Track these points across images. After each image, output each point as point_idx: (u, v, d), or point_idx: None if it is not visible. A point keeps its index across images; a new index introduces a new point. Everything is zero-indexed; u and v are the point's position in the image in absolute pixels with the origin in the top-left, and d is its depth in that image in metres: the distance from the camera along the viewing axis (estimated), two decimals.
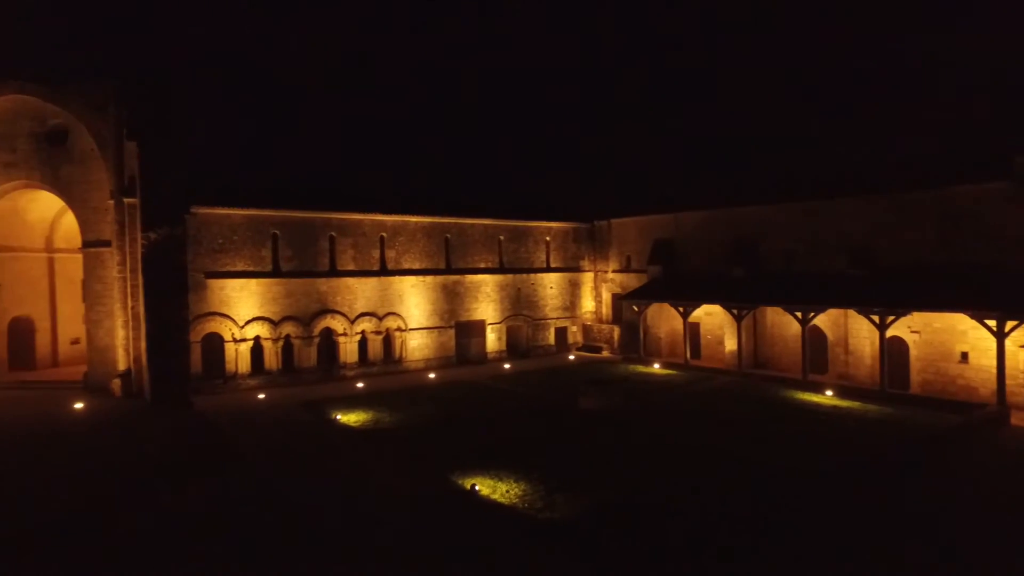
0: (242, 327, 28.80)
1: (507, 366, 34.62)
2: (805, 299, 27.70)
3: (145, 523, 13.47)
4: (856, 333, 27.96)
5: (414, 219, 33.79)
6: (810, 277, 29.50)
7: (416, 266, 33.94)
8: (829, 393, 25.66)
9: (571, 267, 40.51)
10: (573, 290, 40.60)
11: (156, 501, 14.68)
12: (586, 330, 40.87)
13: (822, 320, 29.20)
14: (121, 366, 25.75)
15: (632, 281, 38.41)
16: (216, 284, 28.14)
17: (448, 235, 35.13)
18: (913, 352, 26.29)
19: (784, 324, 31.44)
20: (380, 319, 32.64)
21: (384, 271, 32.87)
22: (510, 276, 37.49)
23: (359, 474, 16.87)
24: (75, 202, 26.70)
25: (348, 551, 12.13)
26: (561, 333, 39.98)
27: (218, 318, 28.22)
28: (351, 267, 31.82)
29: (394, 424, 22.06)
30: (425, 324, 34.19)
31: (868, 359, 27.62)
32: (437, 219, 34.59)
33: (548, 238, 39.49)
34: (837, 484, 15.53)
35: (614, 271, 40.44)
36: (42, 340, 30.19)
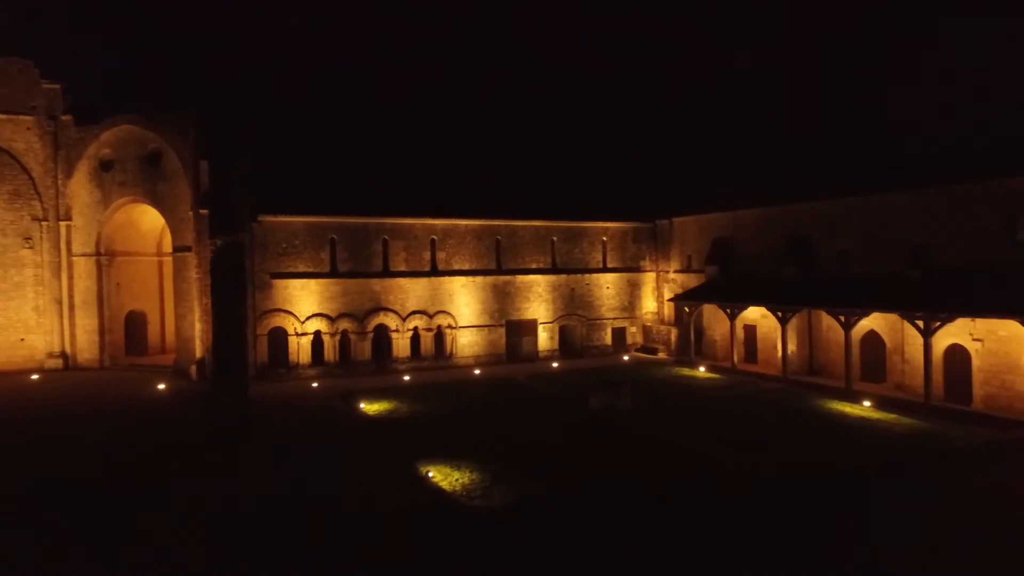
0: (303, 322, 32.18)
1: (555, 365, 35.32)
2: (847, 302, 25.82)
3: (170, 472, 16.26)
4: (912, 340, 25.52)
5: (464, 222, 35.54)
6: (863, 278, 27.39)
7: (466, 267, 35.67)
8: (867, 404, 23.84)
9: (630, 267, 40.19)
10: (632, 291, 40.27)
11: (176, 463, 17.52)
12: (646, 331, 40.38)
13: (879, 324, 26.98)
14: (198, 354, 29.96)
15: (693, 281, 37.46)
16: (280, 284, 31.73)
17: (499, 237, 36.49)
18: (975, 362, 23.60)
19: (840, 328, 29.31)
20: (431, 317, 34.76)
21: (435, 272, 34.94)
22: (563, 276, 38.06)
23: (348, 453, 18.77)
24: (167, 213, 31.48)
25: (290, 504, 13.93)
26: (619, 333, 39.85)
27: (282, 314, 31.80)
28: (403, 268, 34.23)
29: (406, 414, 23.88)
30: (475, 322, 35.82)
31: (923, 368, 25.18)
32: (487, 222, 36.07)
33: (605, 238, 39.51)
34: (782, 494, 14.94)
35: (676, 271, 39.59)
36: (152, 330, 35.72)
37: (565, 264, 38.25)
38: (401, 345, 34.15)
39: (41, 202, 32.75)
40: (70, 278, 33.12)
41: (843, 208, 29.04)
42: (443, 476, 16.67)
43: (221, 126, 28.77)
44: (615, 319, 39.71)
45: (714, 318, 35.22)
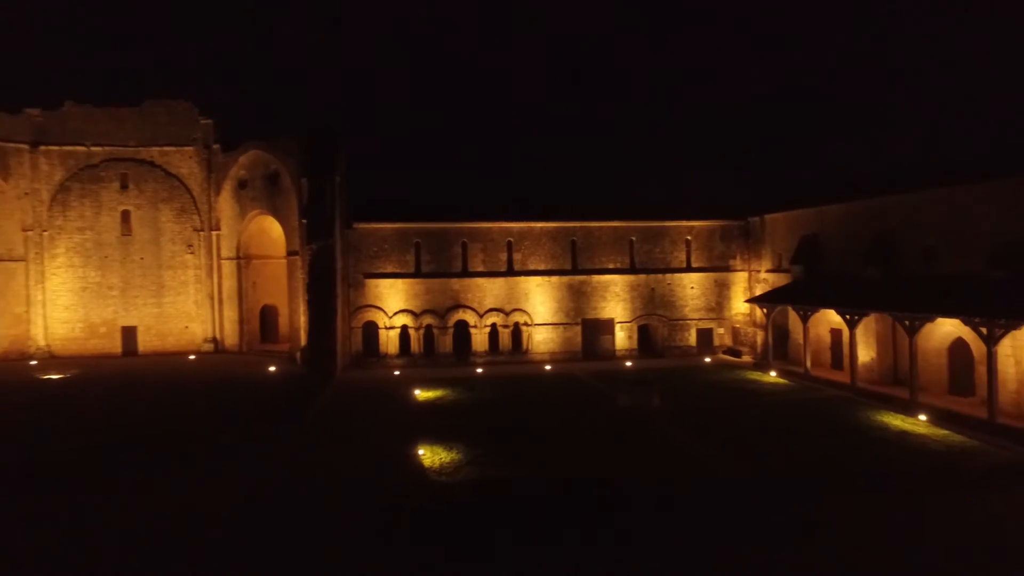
0: (391, 317, 36.19)
1: (629, 364, 35.76)
2: (908, 305, 23.54)
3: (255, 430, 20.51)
4: (1000, 350, 22.66)
5: (539, 224, 37.26)
6: (946, 280, 24.63)
7: (541, 267, 37.37)
8: (922, 418, 21.77)
9: (718, 266, 39.03)
10: (720, 291, 39.08)
11: (259, 424, 21.78)
12: (735, 333, 38.99)
13: (967, 331, 24.16)
14: (303, 343, 35.12)
15: (782, 282, 35.57)
16: (372, 283, 36.01)
17: (574, 238, 37.66)
18: None
19: (925, 335, 26.48)
20: (507, 314, 37.02)
21: (511, 272, 37.12)
22: (642, 276, 38.16)
23: (375, 430, 21.72)
24: (283, 223, 37.23)
25: (297, 462, 17.09)
26: (704, 335, 38.94)
27: (373, 309, 36.07)
28: (480, 268, 36.87)
29: (448, 402, 26.40)
30: (550, 320, 37.41)
31: (1013, 382, 22.31)
32: (562, 224, 37.42)
33: (689, 237, 38.82)
34: (726, 493, 15.02)
35: (767, 271, 37.75)
36: (282, 322, 42.13)
37: (644, 264, 38.29)
38: (479, 340, 36.84)
39: (199, 216, 40.36)
40: (219, 277, 40.42)
41: (928, 201, 26.23)
42: (431, 455, 18.83)
43: (317, 148, 33.61)
44: (700, 320, 38.86)
45: (799, 321, 33.25)
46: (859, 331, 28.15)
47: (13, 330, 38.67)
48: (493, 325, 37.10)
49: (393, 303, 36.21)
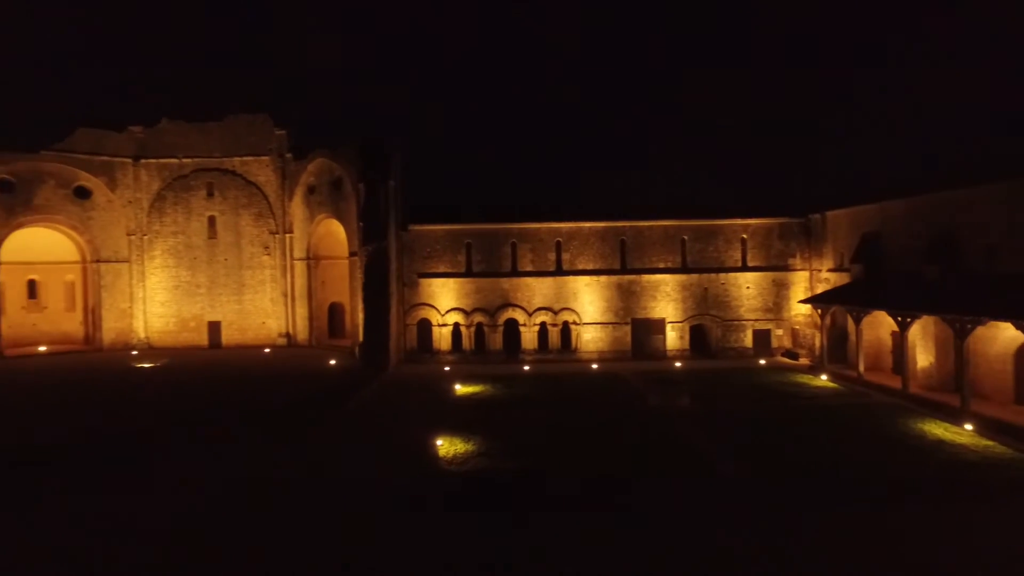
0: (443, 315, 37.72)
1: (678, 364, 35.40)
2: (961, 307, 22.10)
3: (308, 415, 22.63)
4: None
5: (588, 224, 37.54)
6: (1007, 280, 22.94)
7: (590, 267, 37.64)
8: (969, 428, 20.49)
9: (776, 266, 37.74)
10: (778, 291, 37.77)
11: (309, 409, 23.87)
12: (794, 335, 37.58)
13: None
14: (360, 339, 37.30)
15: (845, 281, 34.01)
16: (425, 282, 37.69)
17: (624, 237, 37.64)
18: None
19: (987, 339, 24.74)
20: (555, 313, 37.61)
21: (559, 271, 37.66)
22: (695, 276, 37.57)
23: (407, 419, 23.12)
24: (345, 226, 39.62)
25: (331, 444, 18.75)
26: (761, 336, 37.78)
27: (427, 307, 37.74)
28: (529, 268, 37.67)
29: (484, 397, 27.44)
30: (599, 319, 37.62)
31: None
32: (612, 223, 37.51)
33: (744, 236, 37.78)
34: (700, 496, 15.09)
35: (828, 270, 36.15)
36: (348, 319, 44.72)
37: (697, 263, 37.66)
38: (528, 338, 37.67)
39: (274, 220, 43.71)
40: (292, 277, 43.59)
41: (989, 195, 24.45)
42: (449, 445, 19.90)
43: (373, 155, 35.64)
44: (756, 321, 37.75)
45: (863, 323, 31.68)
46: (917, 334, 26.68)
47: (119, 323, 43.54)
48: (542, 324, 37.80)
49: (445, 302, 37.72)
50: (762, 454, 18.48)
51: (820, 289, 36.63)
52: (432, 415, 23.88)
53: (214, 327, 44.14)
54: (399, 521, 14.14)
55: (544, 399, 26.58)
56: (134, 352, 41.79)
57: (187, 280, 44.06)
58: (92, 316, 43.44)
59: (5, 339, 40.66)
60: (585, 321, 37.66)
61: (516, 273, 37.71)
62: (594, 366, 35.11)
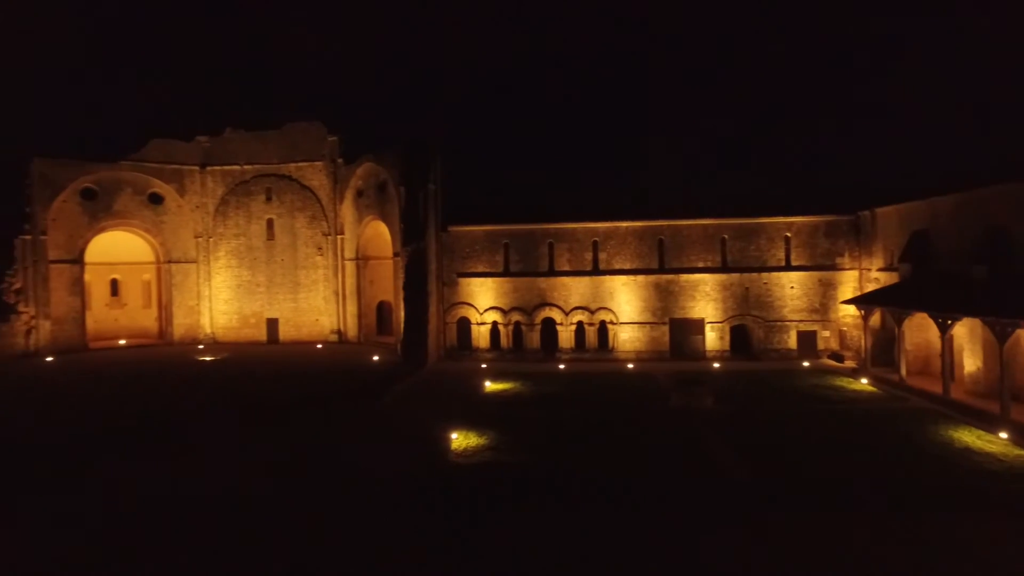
0: (482, 313, 38.64)
1: (716, 365, 34.89)
2: (1001, 309, 20.94)
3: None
4: None
5: (625, 224, 37.50)
6: None
7: (627, 266, 37.59)
8: (1003, 436, 19.49)
9: (822, 265, 36.50)
10: (825, 291, 36.52)
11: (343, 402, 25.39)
12: (841, 336, 36.25)
13: None
14: (402, 336, 38.73)
15: (894, 281, 32.61)
16: (464, 281, 38.72)
17: (661, 237, 37.37)
18: None
19: None
20: (592, 312, 37.80)
21: (596, 271, 37.82)
22: (735, 275, 36.86)
23: (431, 412, 24.12)
24: (389, 227, 41.15)
25: (357, 433, 20.01)
26: (806, 337, 36.64)
27: (466, 306, 38.77)
28: (566, 268, 38.02)
29: (509, 394, 28.11)
30: (636, 319, 37.53)
31: None
32: (649, 223, 37.31)
33: (788, 234, 36.74)
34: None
35: (878, 269, 34.66)
36: (395, 317, 46.31)
37: (738, 262, 36.94)
38: (565, 337, 38.03)
39: (327, 222, 45.93)
40: (343, 276, 45.67)
41: None
42: (462, 438, 20.68)
43: (413, 159, 37.03)
44: (801, 322, 36.65)
45: (907, 325, 30.32)
46: (964, 337, 25.44)
47: (188, 319, 46.94)
48: (579, 323, 38.07)
49: (484, 300, 38.62)
50: (766, 455, 18.27)
51: (870, 289, 35.16)
52: (456, 410, 24.73)
53: (272, 324, 46.84)
54: (379, 504, 15.04)
55: (571, 398, 26.90)
56: (200, 346, 44.95)
57: (248, 279, 46.95)
58: (165, 312, 47.01)
59: (90, 333, 44.61)
60: (622, 321, 37.65)
61: (553, 273, 38.15)
62: (629, 366, 35.10)
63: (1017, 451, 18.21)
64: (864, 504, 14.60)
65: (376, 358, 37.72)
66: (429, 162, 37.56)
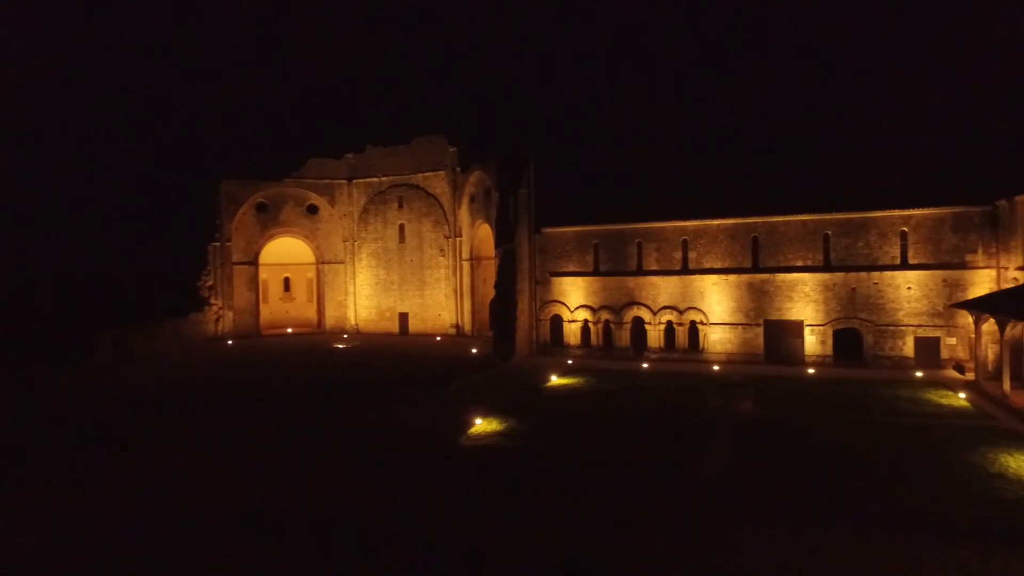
0: (572, 311, 40.08)
1: (811, 371, 32.77)
2: None
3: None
4: None
5: (715, 222, 36.41)
6: None
7: (718, 265, 36.48)
8: None
9: (948, 263, 32.23)
10: (951, 292, 32.21)
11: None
12: (970, 344, 31.67)
13: None
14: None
15: None
16: (556, 280, 40.46)
17: (756, 234, 35.68)
18: None
19: None
20: (681, 312, 37.32)
21: (685, 270, 37.24)
22: (839, 275, 34.01)
23: (478, 400, 26.62)
24: (492, 229, 44.15)
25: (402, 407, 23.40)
26: (926, 344, 32.66)
27: (558, 304, 40.50)
28: (654, 267, 37.94)
29: (565, 388, 29.54)
30: (727, 320, 36.31)
31: None
32: (741, 220, 35.82)
33: (905, 228, 32.96)
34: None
35: (1017, 268, 29.86)
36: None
37: (843, 260, 34.01)
38: (653, 336, 38.04)
39: (448, 226, 50.43)
40: (460, 275, 49.83)
41: None
42: (486, 424, 22.83)
43: (508, 165, 39.81)
44: (920, 327, 32.74)
45: None
46: None
47: (337, 312, 54.57)
48: (668, 323, 37.79)
49: (574, 299, 40.01)
50: (763, 462, 17.84)
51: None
52: (508, 399, 26.85)
53: (403, 317, 52.61)
54: (368, 471, 17.79)
55: (621, 394, 27.54)
56: (344, 335, 52.09)
57: (384, 278, 53.24)
58: (320, 306, 55.13)
59: (266, 322, 53.98)
60: (712, 321, 36.64)
61: (641, 272, 38.31)
62: (715, 368, 34.26)
63: None
64: (808, 518, 14.11)
65: (475, 351, 41.02)
66: (522, 168, 39.91)
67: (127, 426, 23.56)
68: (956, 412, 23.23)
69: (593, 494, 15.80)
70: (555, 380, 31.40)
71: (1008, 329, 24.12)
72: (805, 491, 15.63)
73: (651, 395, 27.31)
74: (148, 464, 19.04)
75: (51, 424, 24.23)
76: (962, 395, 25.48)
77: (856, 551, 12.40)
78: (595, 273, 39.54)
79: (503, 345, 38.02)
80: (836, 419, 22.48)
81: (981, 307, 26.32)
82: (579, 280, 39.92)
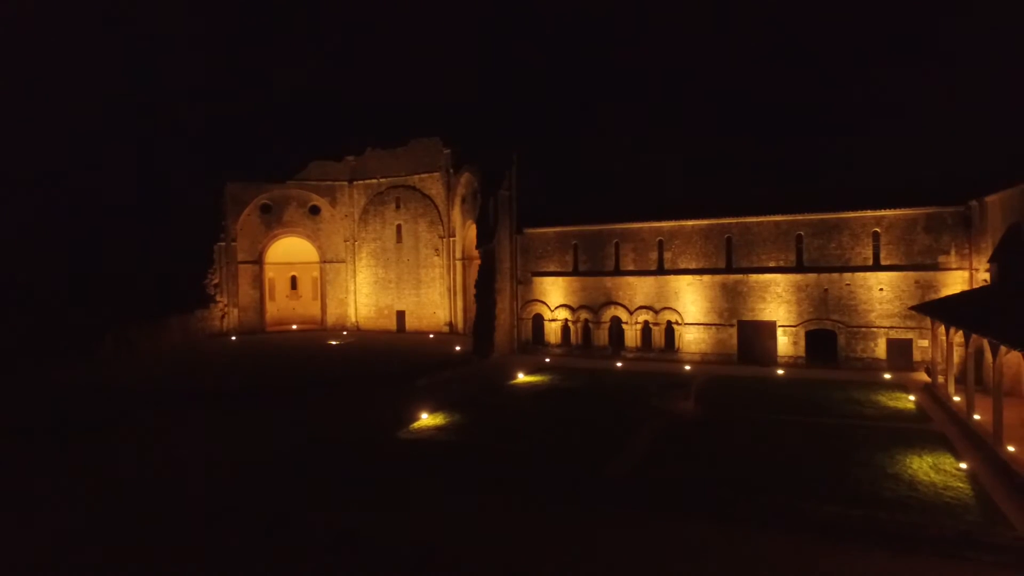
0: (553, 310, 40.74)
1: (781, 372, 32.79)
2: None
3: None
4: None
5: (690, 223, 36.59)
6: None
7: (692, 266, 36.67)
8: (963, 466, 16.96)
9: (921, 264, 31.87)
10: (924, 294, 31.83)
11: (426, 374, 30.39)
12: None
13: None
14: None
15: None
16: (538, 280, 41.16)
17: (729, 235, 35.76)
18: None
19: None
20: (656, 312, 37.63)
21: (661, 271, 37.52)
22: (812, 276, 33.89)
23: (446, 395, 27.62)
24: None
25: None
26: (898, 346, 32.35)
27: (539, 303, 41.20)
28: (631, 267, 38.33)
29: (527, 385, 30.31)
30: (701, 320, 36.48)
31: None
32: (715, 221, 35.94)
33: (877, 229, 32.67)
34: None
35: (987, 269, 29.38)
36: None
37: (815, 261, 33.88)
38: (631, 336, 38.44)
39: (442, 226, 51.56)
40: (454, 274, 50.91)
41: None
42: (431, 419, 23.80)
43: (489, 168, 40.69)
44: (892, 328, 32.45)
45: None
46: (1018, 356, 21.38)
47: (339, 310, 56.29)
48: (645, 322, 38.14)
49: (555, 298, 40.65)
50: (674, 456, 18.34)
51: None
52: (465, 395, 27.78)
53: (400, 315, 53.98)
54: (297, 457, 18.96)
55: (580, 392, 28.16)
56: (344, 332, 53.75)
57: (382, 276, 54.71)
58: (322, 303, 56.95)
59: (273, 319, 56.03)
60: (687, 321, 36.86)
61: (618, 272, 38.72)
62: (687, 368, 34.52)
63: (959, 485, 15.80)
64: (667, 512, 14.66)
65: (459, 348, 42.02)
66: (503, 170, 40.72)
67: (92, 416, 25.32)
68: (896, 414, 23.21)
69: (489, 485, 16.58)
70: (521, 378, 32.17)
71: (959, 333, 23.92)
72: (678, 487, 16.09)
73: (606, 394, 27.87)
74: (93, 453, 20.63)
75: (34, 416, 26.18)
76: (912, 397, 25.38)
77: (686, 540, 12.89)
78: (575, 273, 40.11)
79: (481, 343, 38.93)
80: (767, 419, 22.73)
81: (932, 312, 26.08)
82: (559, 280, 40.54)
